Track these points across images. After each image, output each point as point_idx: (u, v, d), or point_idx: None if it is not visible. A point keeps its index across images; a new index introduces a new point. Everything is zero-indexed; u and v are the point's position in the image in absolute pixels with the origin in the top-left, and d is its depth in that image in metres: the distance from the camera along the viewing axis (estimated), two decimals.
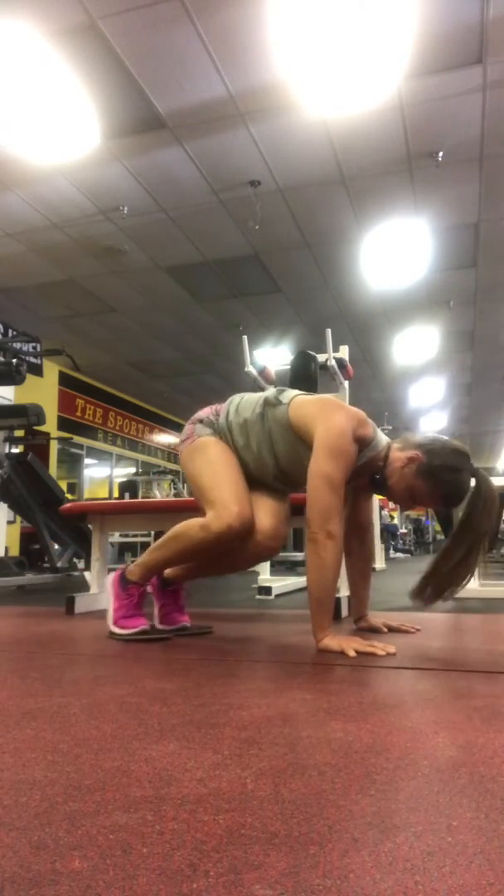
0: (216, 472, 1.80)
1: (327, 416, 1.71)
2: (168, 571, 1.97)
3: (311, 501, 1.62)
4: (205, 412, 1.94)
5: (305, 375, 3.52)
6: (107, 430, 10.82)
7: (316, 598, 1.60)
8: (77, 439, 9.82)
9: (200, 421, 1.91)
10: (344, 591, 2.37)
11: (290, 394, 1.84)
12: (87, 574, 3.03)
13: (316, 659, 1.49)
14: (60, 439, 9.18)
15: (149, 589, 1.94)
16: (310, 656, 1.53)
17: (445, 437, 1.78)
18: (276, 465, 1.84)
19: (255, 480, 1.86)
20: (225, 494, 1.74)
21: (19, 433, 5.24)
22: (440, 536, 15.69)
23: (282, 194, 4.99)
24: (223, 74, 3.72)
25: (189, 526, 1.77)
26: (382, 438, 1.81)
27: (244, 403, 1.89)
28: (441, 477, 1.69)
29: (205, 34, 3.43)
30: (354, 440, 1.69)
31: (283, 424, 1.78)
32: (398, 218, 5.35)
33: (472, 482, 1.68)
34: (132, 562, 1.92)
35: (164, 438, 12.73)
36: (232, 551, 1.83)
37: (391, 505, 14.18)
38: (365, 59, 3.49)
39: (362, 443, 1.73)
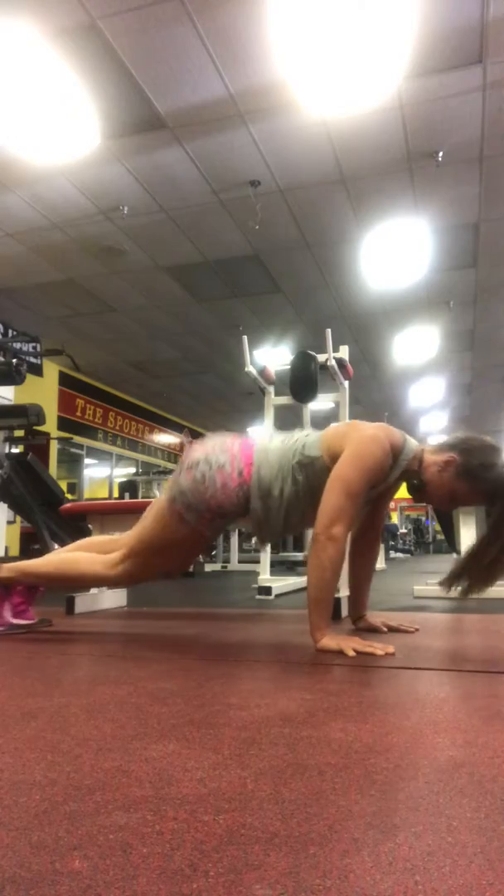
0: (170, 562, 1.87)
1: (357, 429, 1.72)
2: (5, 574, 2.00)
3: (324, 502, 1.62)
4: (229, 499, 1.72)
5: (305, 375, 3.52)
6: (107, 430, 10.82)
7: (314, 599, 1.61)
8: (77, 439, 9.82)
9: (222, 516, 1.77)
10: (344, 591, 2.37)
11: (312, 441, 1.77)
12: None
13: (316, 659, 1.49)
14: (60, 439, 9.18)
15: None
16: (310, 656, 1.52)
17: (475, 434, 1.77)
18: (302, 517, 1.81)
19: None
20: (147, 576, 1.89)
21: (19, 433, 5.23)
22: (440, 536, 15.69)
23: (282, 194, 4.99)
24: (223, 74, 3.72)
25: (97, 563, 1.88)
26: (412, 445, 1.79)
27: (275, 476, 1.74)
28: (481, 475, 1.68)
29: (205, 34, 3.43)
30: (389, 448, 1.67)
31: (326, 475, 1.69)
32: (398, 218, 5.35)
33: None
34: None
35: (164, 438, 12.73)
36: (86, 576, 1.94)
37: (391, 505, 14.18)
38: (365, 59, 3.48)
39: (395, 451, 1.71)
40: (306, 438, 1.80)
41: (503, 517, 1.63)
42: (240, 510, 1.76)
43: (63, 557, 1.99)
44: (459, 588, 1.67)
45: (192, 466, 1.74)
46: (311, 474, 1.74)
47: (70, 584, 2.04)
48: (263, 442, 1.83)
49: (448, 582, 1.69)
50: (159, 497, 1.87)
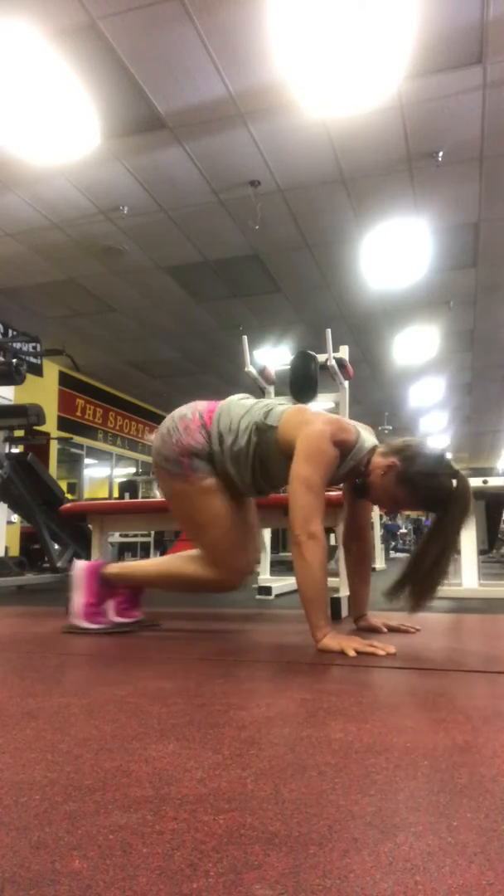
0: (224, 528, 1.82)
1: (305, 423, 1.73)
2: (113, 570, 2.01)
3: (292, 505, 1.65)
4: (193, 438, 1.80)
5: (305, 375, 3.52)
6: (107, 430, 10.82)
7: (308, 598, 1.61)
8: (77, 439, 9.82)
9: (195, 455, 1.80)
10: (344, 591, 2.37)
11: (276, 413, 1.81)
12: None
13: (316, 659, 1.49)
14: (60, 439, 9.18)
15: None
16: (310, 656, 1.52)
17: (423, 442, 1.82)
18: (264, 484, 1.87)
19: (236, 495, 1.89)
20: (233, 557, 1.84)
21: (19, 433, 5.24)
22: None
23: (282, 194, 4.99)
24: (223, 74, 3.72)
25: (195, 569, 1.87)
26: (366, 443, 1.80)
27: (234, 425, 1.81)
28: (419, 483, 1.72)
29: (205, 34, 3.43)
30: (335, 444, 1.70)
31: (277, 448, 1.78)
32: (398, 218, 5.35)
33: (454, 483, 1.70)
34: (109, 562, 2.02)
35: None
36: (202, 582, 1.92)
37: None
38: (365, 59, 3.48)
39: (343, 447, 1.73)
40: (276, 406, 1.85)
41: (439, 524, 1.67)
42: (204, 452, 1.80)
43: (170, 560, 1.98)
44: (404, 599, 1.68)
45: (158, 430, 1.87)
46: (263, 441, 1.79)
47: (180, 588, 2.00)
48: (232, 397, 1.93)
49: (391, 592, 1.70)
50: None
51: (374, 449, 1.81)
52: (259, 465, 1.82)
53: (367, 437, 1.84)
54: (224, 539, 1.83)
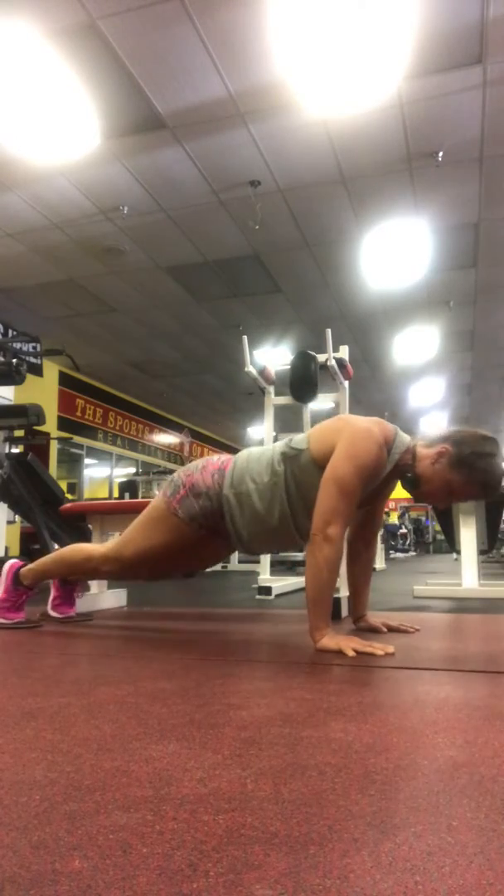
0: (151, 553, 1.88)
1: (349, 423, 1.69)
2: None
3: (319, 502, 1.61)
4: (203, 478, 1.80)
5: (305, 375, 3.52)
6: (107, 430, 10.82)
7: (312, 598, 1.61)
8: (77, 439, 9.82)
9: (195, 495, 1.79)
10: (344, 591, 2.37)
11: (300, 437, 1.79)
12: None
13: (316, 659, 1.49)
14: (60, 439, 9.18)
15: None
16: (310, 656, 1.53)
17: (468, 426, 1.77)
18: (294, 517, 1.77)
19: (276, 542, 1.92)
20: (133, 570, 1.96)
21: (19, 433, 5.23)
22: (440, 536, 15.69)
23: (282, 194, 4.99)
24: (223, 74, 3.72)
25: (92, 551, 2.01)
26: (403, 438, 1.78)
27: (254, 467, 1.77)
28: (475, 464, 1.66)
29: (205, 34, 3.43)
30: (383, 442, 1.66)
31: (310, 468, 1.70)
32: (398, 218, 5.35)
33: None
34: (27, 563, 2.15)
35: (164, 438, 12.73)
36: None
37: (391, 504, 14.18)
38: (365, 59, 3.48)
39: (387, 444, 1.70)
40: (295, 436, 1.84)
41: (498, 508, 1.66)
42: (212, 493, 1.79)
43: (61, 549, 2.15)
44: None
45: (189, 465, 1.94)
46: (295, 467, 1.73)
47: (65, 567, 2.10)
48: (250, 448, 1.94)
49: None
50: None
51: (414, 444, 1.76)
52: (296, 498, 1.72)
53: (402, 433, 1.80)
54: (142, 553, 1.88)
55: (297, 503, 1.74)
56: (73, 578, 2.22)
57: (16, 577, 2.09)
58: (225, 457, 1.89)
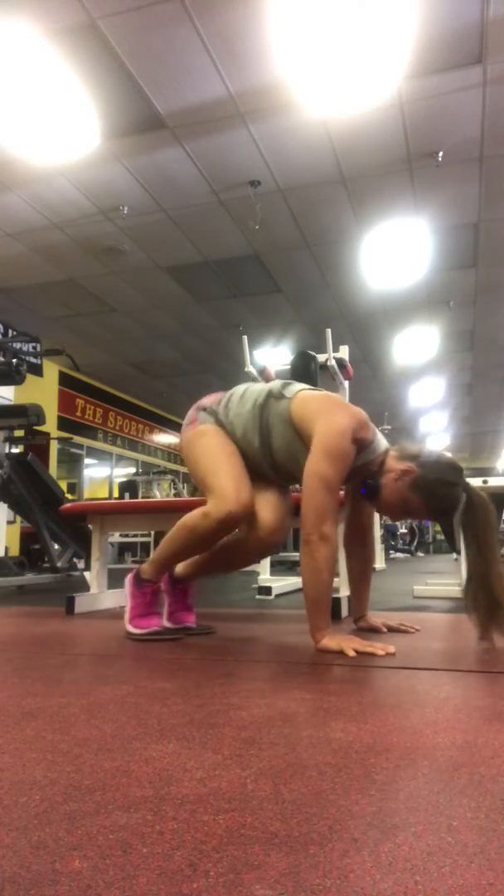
0: (214, 459, 1.81)
1: (329, 413, 1.70)
2: (178, 570, 1.96)
3: (306, 502, 1.62)
4: (209, 400, 1.95)
5: (305, 375, 3.53)
6: (107, 430, 10.82)
7: (312, 599, 1.60)
8: (77, 439, 9.82)
9: (204, 409, 1.92)
10: (344, 592, 2.37)
11: (295, 388, 1.83)
12: (87, 574, 3.03)
13: (316, 659, 1.49)
14: (60, 439, 9.18)
15: (162, 587, 1.93)
16: (310, 656, 1.52)
17: (439, 451, 1.81)
18: (270, 459, 1.85)
19: (254, 473, 1.86)
20: (223, 481, 1.74)
21: (19, 433, 5.23)
22: (440, 537, 15.69)
23: (282, 194, 4.99)
24: (223, 74, 3.72)
25: (191, 516, 1.77)
26: (381, 443, 1.79)
27: (248, 394, 1.89)
28: (435, 491, 1.69)
29: (205, 34, 3.43)
30: (353, 441, 1.68)
31: (284, 419, 1.77)
32: (398, 218, 5.35)
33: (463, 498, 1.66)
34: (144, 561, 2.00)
35: (164, 438, 12.74)
36: (235, 546, 1.88)
37: None
38: (365, 59, 3.48)
39: (360, 445, 1.72)
40: (298, 384, 1.89)
41: (472, 542, 1.63)
42: (211, 411, 1.90)
43: (172, 530, 1.89)
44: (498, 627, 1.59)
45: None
46: (272, 409, 1.80)
47: (188, 547, 1.82)
48: (248, 383, 2.02)
49: (485, 630, 1.59)
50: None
51: (386, 451, 1.79)
52: (270, 434, 1.81)
53: (381, 438, 1.83)
54: (219, 468, 1.76)
55: (271, 439, 1.82)
56: (194, 573, 1.97)
57: (137, 578, 1.87)
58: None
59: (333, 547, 1.62)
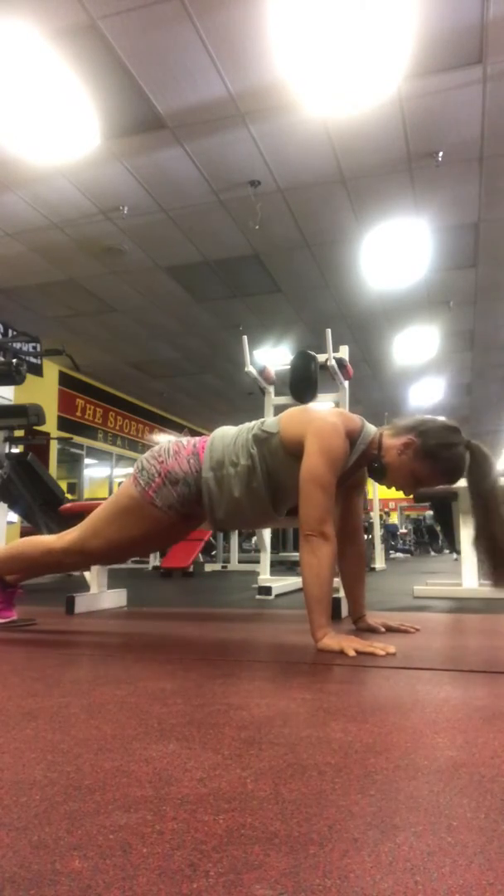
0: (124, 545, 1.86)
1: (314, 418, 1.72)
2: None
3: (304, 502, 1.63)
4: (178, 464, 1.78)
5: (305, 375, 3.52)
6: (107, 430, 10.82)
7: (313, 597, 1.60)
8: (77, 439, 9.82)
9: (171, 482, 1.77)
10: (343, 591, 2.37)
11: (272, 420, 1.81)
12: (86, 574, 3.04)
13: (316, 659, 1.49)
14: (60, 439, 9.18)
15: None
16: (310, 656, 1.52)
17: (432, 416, 1.81)
18: (281, 501, 1.83)
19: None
20: (101, 559, 1.95)
21: (19, 433, 5.23)
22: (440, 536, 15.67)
23: (282, 194, 4.99)
24: (223, 74, 3.72)
25: (44, 551, 1.92)
26: (370, 429, 1.81)
27: (231, 449, 1.79)
28: (440, 454, 1.71)
29: (205, 34, 3.43)
30: (346, 435, 1.70)
31: (279, 451, 1.74)
32: (398, 218, 5.35)
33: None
34: None
35: (164, 438, 12.73)
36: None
37: (391, 505, 14.18)
38: (365, 59, 3.48)
39: (352, 436, 1.74)
40: (268, 418, 1.86)
41: (475, 494, 1.68)
42: (191, 480, 1.77)
43: (14, 542, 2.06)
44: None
45: (154, 447, 1.89)
46: (266, 451, 1.76)
47: (25, 563, 2.01)
48: (220, 428, 1.91)
49: (497, 577, 1.66)
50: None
51: (380, 433, 1.80)
52: (269, 479, 1.77)
53: (368, 424, 1.84)
54: (106, 543, 1.85)
55: (272, 484, 1.78)
56: (18, 577, 2.13)
57: None
58: (195, 440, 1.86)
59: (334, 546, 1.63)
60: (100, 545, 1.84)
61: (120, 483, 9.48)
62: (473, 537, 1.71)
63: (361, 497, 2.04)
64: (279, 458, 1.75)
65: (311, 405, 1.90)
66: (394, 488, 1.85)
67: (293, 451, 1.72)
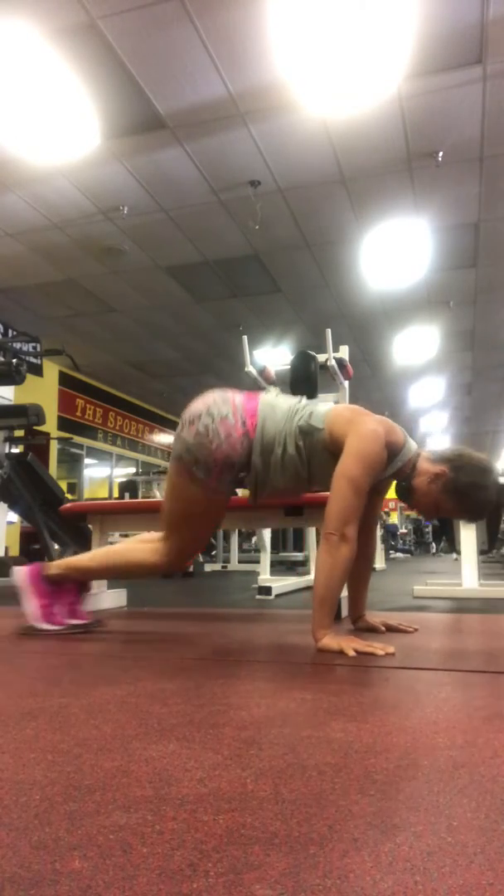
0: (204, 532, 1.89)
1: (359, 422, 1.71)
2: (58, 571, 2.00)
3: (333, 501, 1.63)
4: (234, 449, 1.72)
5: (305, 375, 3.52)
6: (107, 430, 10.82)
7: (321, 596, 1.60)
8: (77, 439, 9.82)
9: (229, 467, 1.74)
10: (343, 592, 2.37)
11: (319, 414, 1.78)
12: None
13: (316, 659, 1.49)
14: (60, 439, 9.18)
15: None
16: (310, 656, 1.52)
17: (472, 451, 1.79)
18: (309, 483, 1.85)
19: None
20: (192, 552, 1.90)
21: (19, 433, 5.23)
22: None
23: (282, 194, 4.99)
24: (223, 74, 3.72)
25: (141, 559, 1.89)
26: (411, 446, 1.80)
27: (279, 436, 1.76)
28: (468, 494, 1.72)
29: (205, 34, 3.43)
30: (386, 446, 1.69)
31: (320, 447, 1.75)
32: (398, 218, 5.35)
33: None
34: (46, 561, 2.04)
35: (164, 438, 12.73)
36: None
37: (391, 505, 14.19)
38: (365, 59, 3.48)
39: (392, 449, 1.73)
40: (314, 407, 1.82)
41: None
42: (244, 461, 1.76)
43: (110, 549, 2.03)
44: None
45: (193, 420, 1.74)
46: (309, 444, 1.76)
47: (121, 575, 2.00)
48: (269, 396, 1.85)
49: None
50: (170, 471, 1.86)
51: (418, 453, 1.80)
52: (309, 469, 1.79)
53: (410, 440, 1.83)
54: (197, 539, 1.89)
55: (312, 473, 1.80)
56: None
57: (46, 578, 1.94)
58: (242, 411, 1.76)
59: (353, 549, 1.63)
60: (189, 543, 1.88)
61: (120, 483, 9.49)
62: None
63: (382, 498, 2.04)
64: (318, 452, 1.76)
65: (357, 407, 1.87)
66: (416, 510, 1.86)
67: (334, 449, 1.72)
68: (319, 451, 1.76)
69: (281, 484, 1.81)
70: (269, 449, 1.75)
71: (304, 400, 1.88)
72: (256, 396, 1.83)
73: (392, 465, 1.75)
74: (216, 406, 1.74)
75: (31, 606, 1.93)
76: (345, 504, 1.61)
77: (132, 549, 1.93)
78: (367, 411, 1.81)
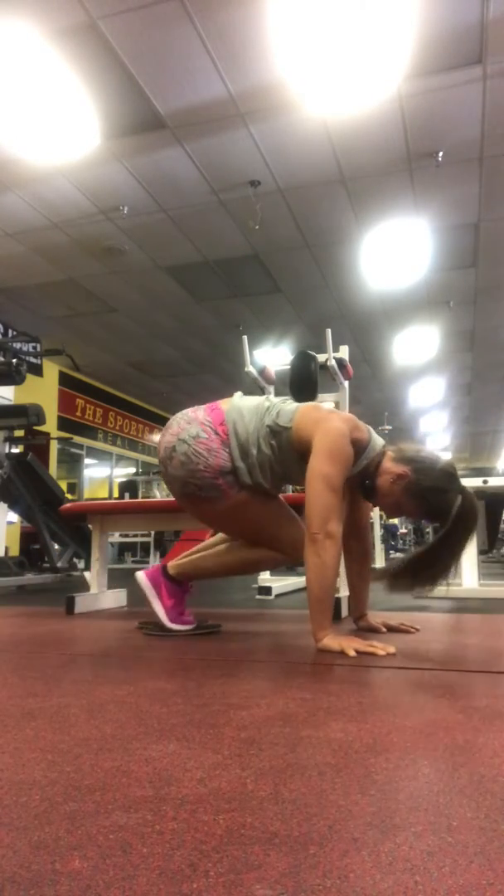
0: (277, 521, 1.89)
1: (324, 419, 1.73)
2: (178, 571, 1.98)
3: (311, 502, 1.63)
4: (219, 458, 1.74)
5: (305, 375, 3.52)
6: (107, 430, 10.82)
7: (316, 597, 1.60)
8: (77, 439, 9.82)
9: (226, 473, 1.75)
10: (344, 591, 2.37)
11: (287, 413, 1.79)
12: (86, 574, 3.04)
13: (316, 659, 1.49)
14: (60, 439, 9.18)
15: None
16: (310, 656, 1.52)
17: (436, 456, 1.81)
18: (279, 485, 1.89)
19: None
20: (296, 539, 1.84)
21: (19, 433, 5.24)
22: None
23: (282, 194, 4.99)
24: (223, 74, 3.72)
25: (262, 556, 1.92)
26: (377, 443, 1.82)
27: (251, 437, 1.77)
28: (427, 497, 1.72)
29: (205, 34, 3.43)
30: (351, 442, 1.71)
31: (288, 446, 1.78)
32: (398, 218, 5.35)
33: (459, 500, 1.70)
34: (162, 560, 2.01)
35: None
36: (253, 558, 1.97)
37: None
38: (365, 59, 3.48)
39: (358, 446, 1.75)
40: (282, 405, 1.84)
41: (445, 539, 1.68)
42: (230, 469, 1.78)
43: (222, 550, 1.98)
44: (402, 585, 1.70)
45: (171, 455, 1.79)
46: (279, 443, 1.78)
47: (242, 571, 1.99)
48: (233, 400, 1.87)
49: (391, 580, 1.71)
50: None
51: (383, 451, 1.81)
52: (278, 468, 1.81)
53: (376, 436, 1.85)
54: (282, 530, 1.88)
55: (285, 472, 1.83)
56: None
57: (171, 577, 1.94)
58: (211, 425, 1.78)
59: (339, 546, 1.63)
60: (282, 537, 1.88)
61: (120, 483, 9.49)
62: (415, 559, 1.72)
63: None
64: (287, 450, 1.78)
65: (321, 405, 1.88)
66: (377, 506, 1.89)
67: (299, 448, 1.74)
68: (288, 452, 1.78)
69: (268, 483, 1.81)
70: (245, 451, 1.78)
71: (273, 398, 1.89)
72: (217, 405, 1.85)
73: (358, 463, 1.77)
74: (184, 431, 1.78)
75: (159, 608, 1.93)
76: (322, 502, 1.62)
77: (252, 548, 1.94)
78: (333, 410, 1.83)
